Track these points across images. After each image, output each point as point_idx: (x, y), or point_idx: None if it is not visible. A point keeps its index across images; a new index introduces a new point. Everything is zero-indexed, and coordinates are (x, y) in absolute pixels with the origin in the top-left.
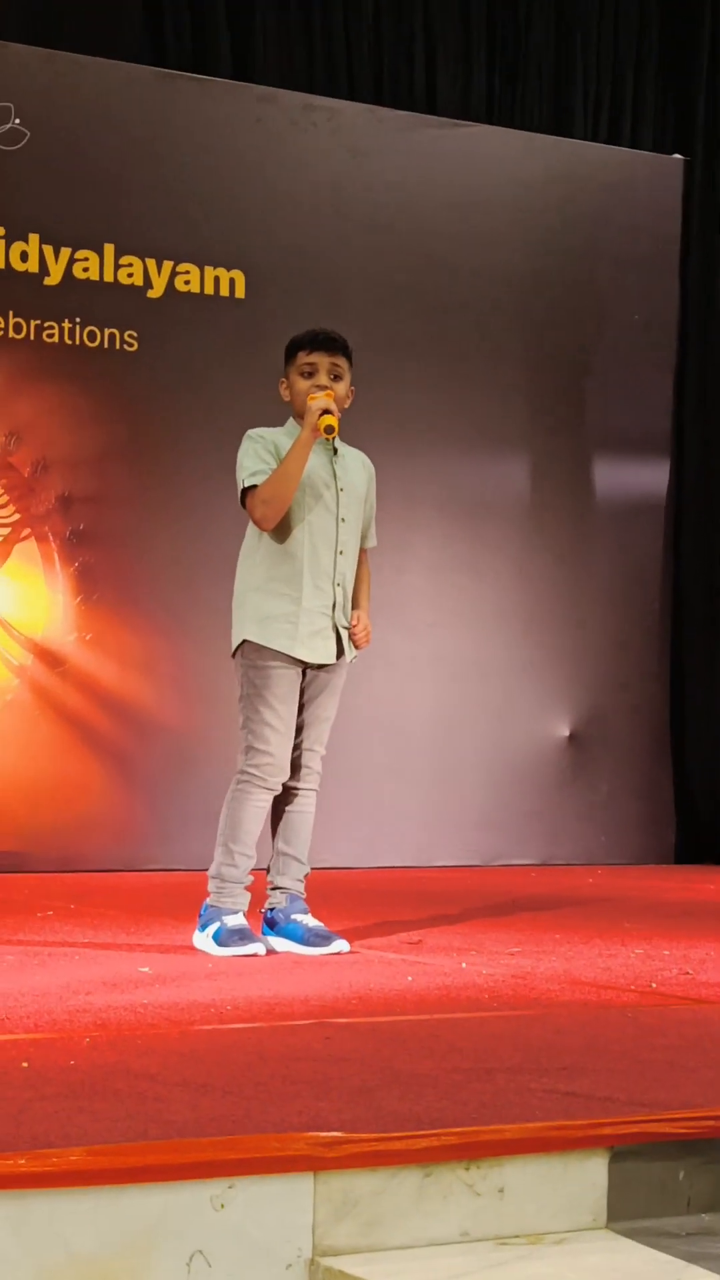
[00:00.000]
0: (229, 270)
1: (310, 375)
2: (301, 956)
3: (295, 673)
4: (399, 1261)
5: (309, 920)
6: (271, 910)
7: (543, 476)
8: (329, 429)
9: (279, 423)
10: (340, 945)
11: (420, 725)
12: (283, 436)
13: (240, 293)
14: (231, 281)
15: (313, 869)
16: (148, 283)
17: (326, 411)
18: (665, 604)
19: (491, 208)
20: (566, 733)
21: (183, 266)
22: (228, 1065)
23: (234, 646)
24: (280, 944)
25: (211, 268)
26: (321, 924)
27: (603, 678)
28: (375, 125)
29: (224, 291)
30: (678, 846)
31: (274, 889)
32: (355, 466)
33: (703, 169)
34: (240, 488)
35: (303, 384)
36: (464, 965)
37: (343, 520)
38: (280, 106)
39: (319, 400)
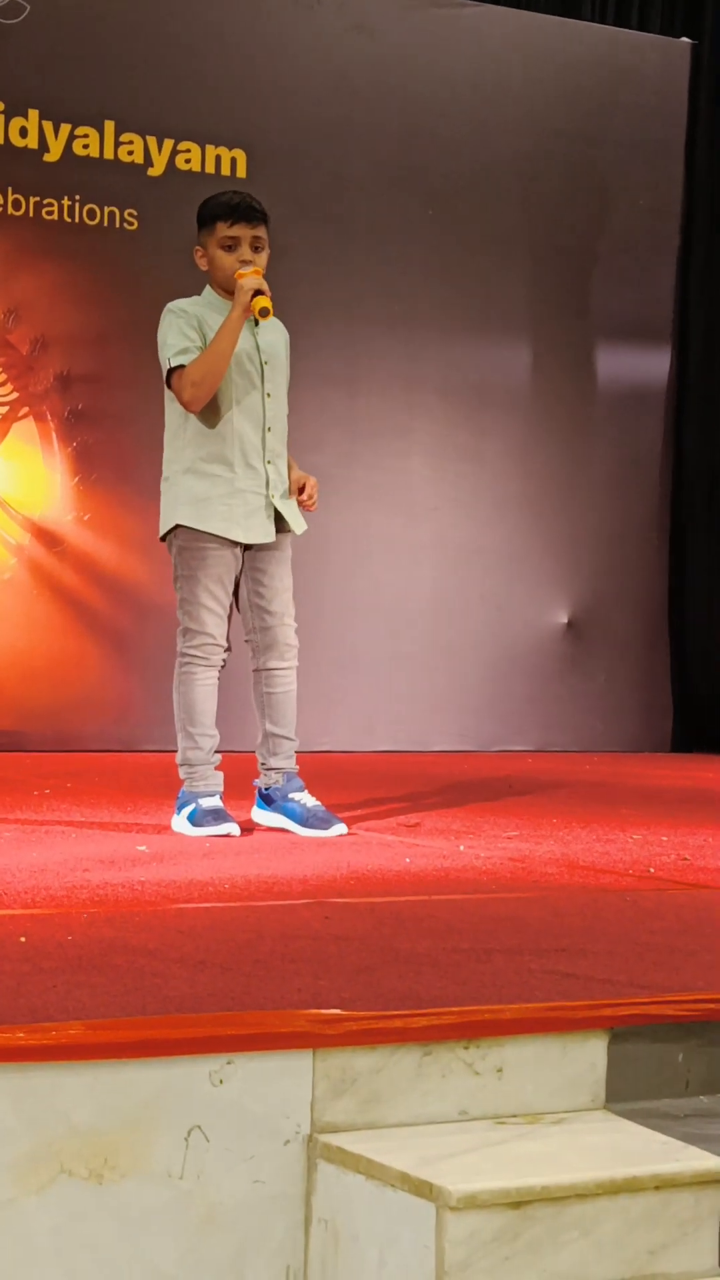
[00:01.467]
0: (230, 149)
1: (231, 249)
2: (298, 836)
3: (232, 553)
4: (397, 1139)
5: (308, 800)
6: (268, 788)
7: (545, 363)
8: (264, 310)
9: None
10: (339, 828)
11: (419, 610)
12: (206, 310)
13: (241, 172)
14: (233, 160)
15: (310, 752)
16: (148, 160)
17: (259, 292)
18: (665, 492)
19: (497, 90)
20: (565, 620)
21: (184, 145)
22: (226, 942)
23: (164, 530)
24: (276, 820)
25: (213, 146)
26: (320, 804)
27: (602, 566)
28: (381, 3)
29: (225, 170)
30: (674, 735)
31: (268, 769)
32: (275, 338)
33: (710, 53)
34: (166, 368)
35: (225, 258)
36: (462, 848)
37: (268, 395)
38: None
39: (250, 279)
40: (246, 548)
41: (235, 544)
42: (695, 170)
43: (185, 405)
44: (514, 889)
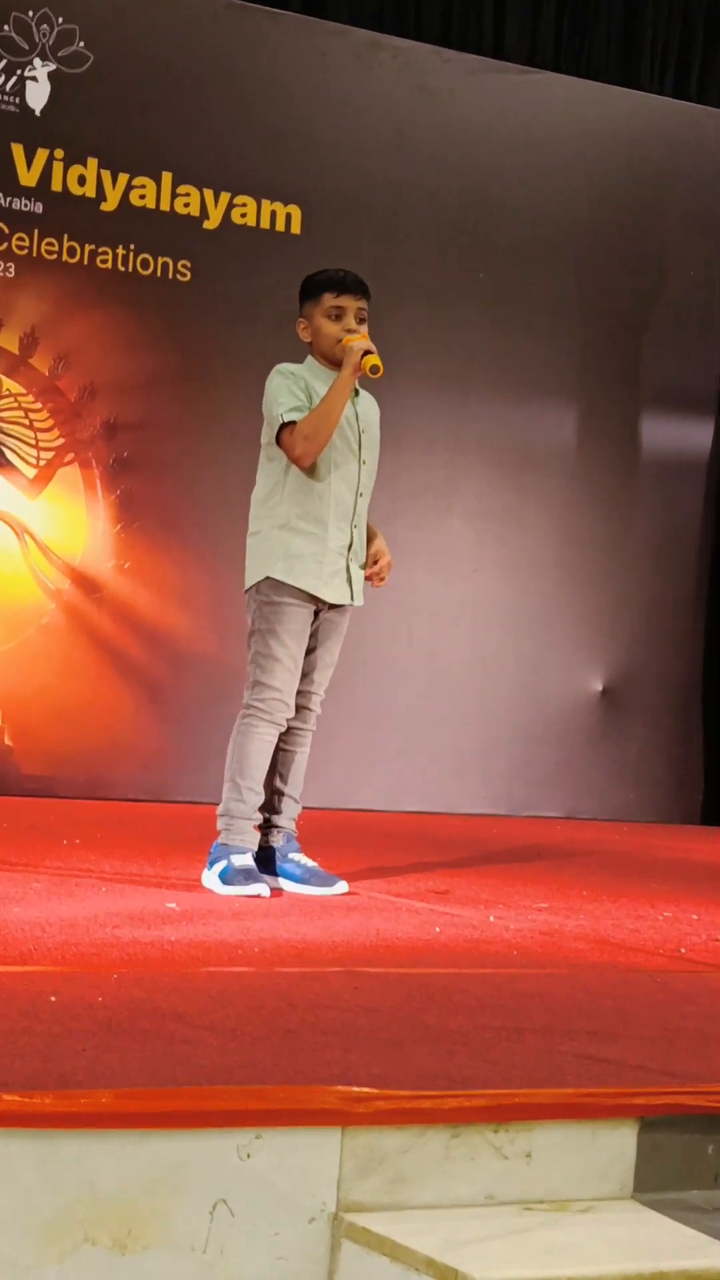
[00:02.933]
0: (285, 205)
1: (338, 318)
2: (328, 900)
3: (309, 612)
4: (422, 1221)
5: (305, 860)
6: (266, 849)
7: (590, 429)
8: (374, 369)
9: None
10: (341, 886)
11: (455, 671)
12: (310, 376)
13: (296, 228)
14: (288, 216)
15: (340, 809)
16: (204, 213)
17: (368, 351)
18: (704, 564)
19: (554, 156)
20: (599, 688)
21: (240, 199)
22: (256, 1010)
23: (252, 582)
24: (270, 882)
25: (269, 201)
26: (317, 864)
27: (638, 635)
28: (441, 66)
29: (279, 226)
30: (705, 807)
31: (269, 827)
32: (371, 410)
33: None
34: (278, 423)
35: (331, 326)
36: (491, 919)
37: (363, 463)
38: (347, 43)
39: (359, 341)
40: (318, 610)
41: (315, 604)
42: None
43: (296, 460)
44: (544, 965)
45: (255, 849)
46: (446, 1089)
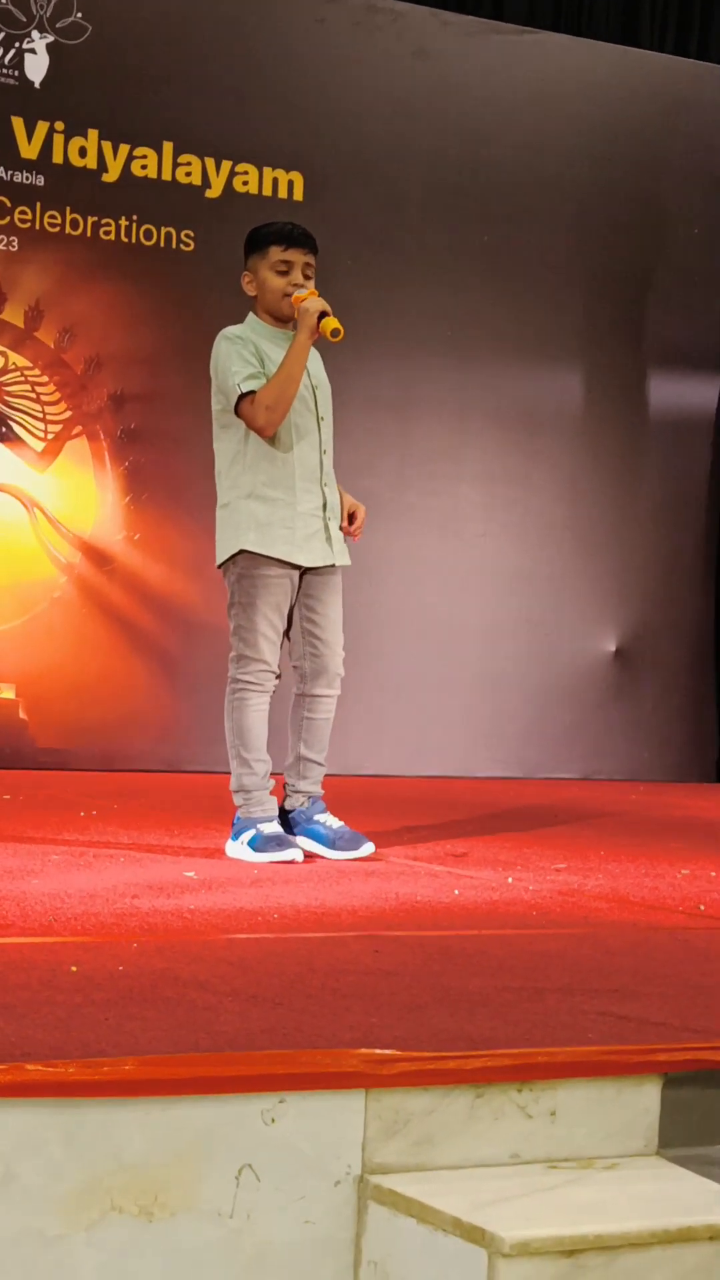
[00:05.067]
0: (288, 172)
1: (284, 273)
2: (346, 864)
3: (288, 580)
4: (449, 1182)
5: (332, 821)
6: (292, 811)
7: (596, 390)
8: (335, 331)
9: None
10: (368, 847)
11: (468, 636)
12: (257, 337)
13: (299, 195)
14: (290, 183)
15: (356, 775)
16: (206, 182)
17: (325, 313)
18: (712, 521)
19: (555, 116)
20: (612, 648)
21: (241, 167)
22: (277, 976)
23: (226, 555)
24: (301, 844)
25: (270, 169)
26: (344, 825)
27: (650, 594)
28: (439, 29)
29: (282, 193)
30: (719, 764)
31: (294, 791)
32: (318, 363)
33: None
34: (235, 394)
35: (277, 281)
36: (510, 880)
37: (321, 419)
38: (344, 7)
39: (313, 300)
40: (301, 575)
41: (294, 569)
42: None
43: (259, 430)
44: (564, 925)
45: (276, 815)
46: (469, 1049)
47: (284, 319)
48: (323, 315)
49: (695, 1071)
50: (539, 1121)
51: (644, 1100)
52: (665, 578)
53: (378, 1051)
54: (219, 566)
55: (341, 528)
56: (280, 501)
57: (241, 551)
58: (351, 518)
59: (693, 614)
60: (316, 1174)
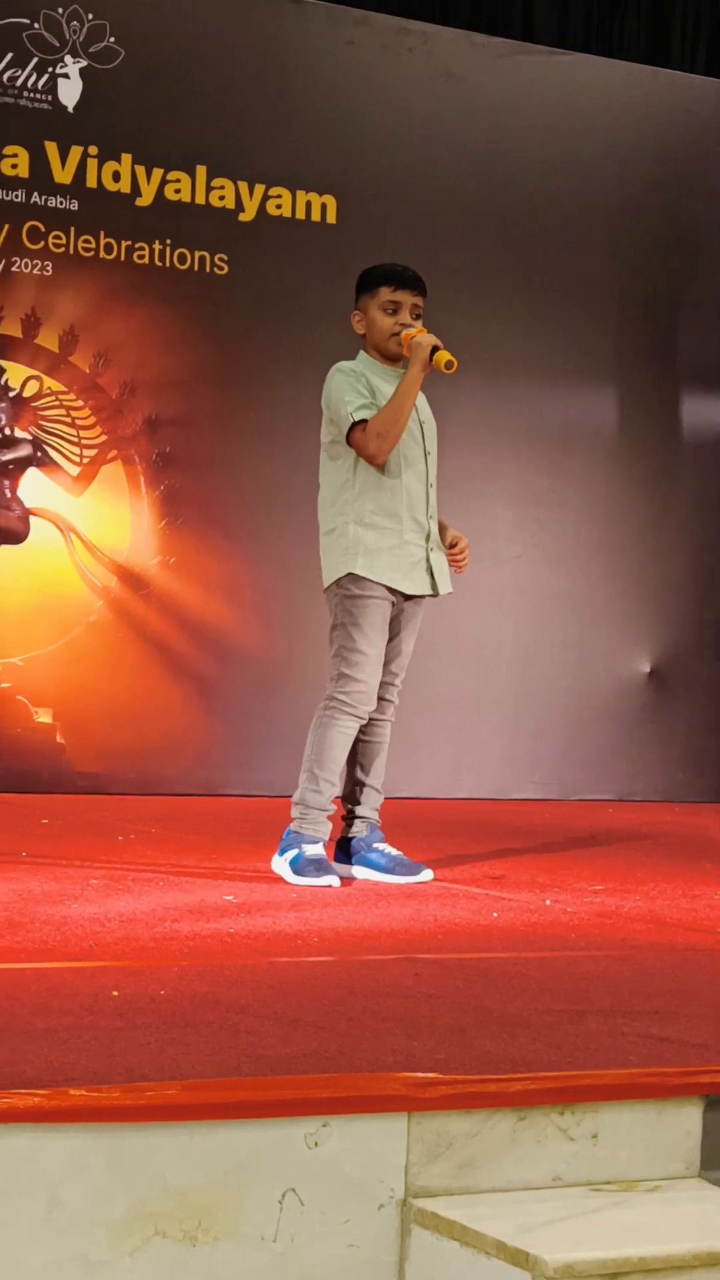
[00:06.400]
0: (320, 195)
1: (393, 313)
2: (384, 887)
3: (389, 605)
4: (492, 1205)
5: (390, 849)
6: (351, 839)
7: (630, 410)
8: (449, 364)
9: (357, 351)
10: (426, 874)
11: (502, 657)
12: (369, 372)
13: (331, 217)
14: (323, 206)
15: (393, 798)
16: (239, 205)
17: (437, 347)
18: None
19: (586, 137)
20: (647, 669)
21: (274, 190)
22: (318, 999)
23: (333, 578)
24: (361, 872)
25: (303, 192)
26: (402, 853)
27: (684, 614)
28: (470, 51)
29: (315, 216)
30: None
31: (353, 818)
32: (424, 402)
33: None
34: (348, 422)
35: (386, 320)
36: (548, 902)
37: (428, 453)
38: (374, 30)
39: (424, 336)
40: (396, 601)
41: (397, 597)
42: None
43: (370, 458)
44: (603, 947)
45: (326, 839)
46: (511, 1072)
47: (392, 358)
48: (435, 349)
49: None
50: (581, 1144)
51: (685, 1122)
52: (699, 598)
53: (420, 1075)
54: (325, 590)
55: (448, 555)
56: (388, 530)
57: (349, 575)
58: (454, 545)
59: None
60: (360, 1197)
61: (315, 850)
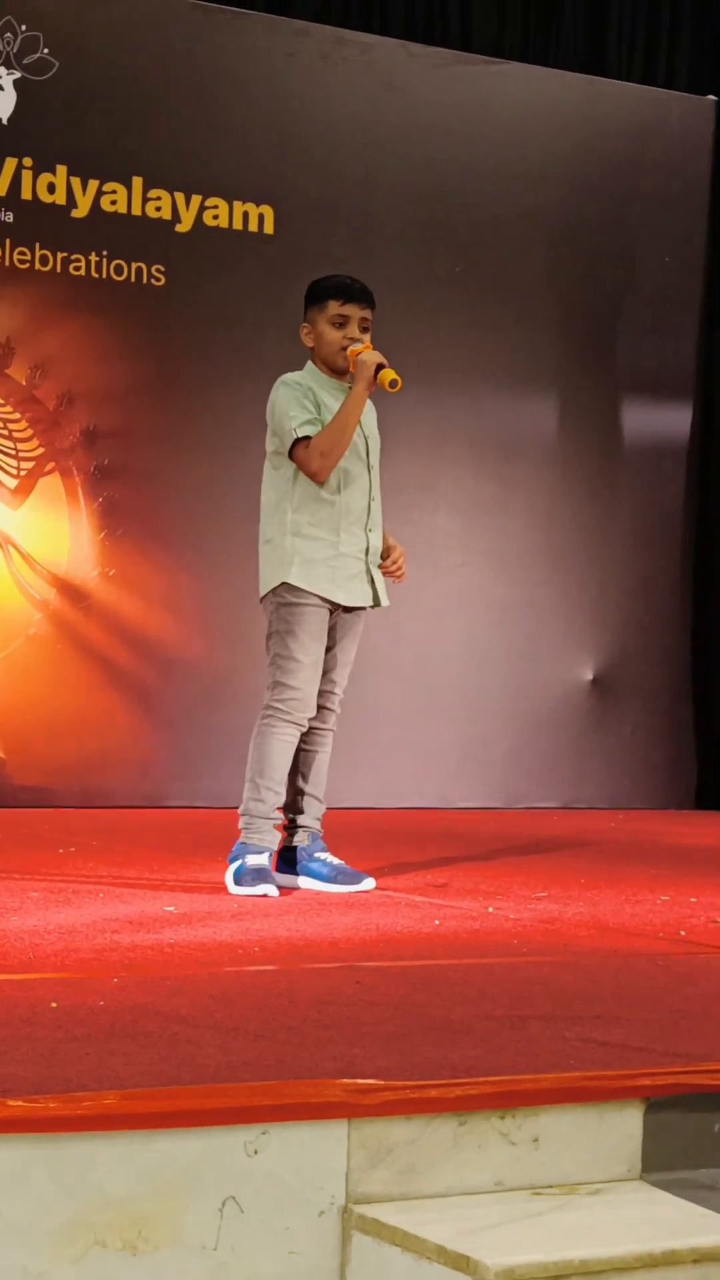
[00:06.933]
0: (258, 205)
1: (341, 326)
2: (326, 896)
3: (325, 613)
4: (433, 1210)
5: (332, 859)
6: (292, 849)
7: (571, 417)
8: (393, 383)
9: (301, 362)
10: (369, 883)
11: (445, 665)
12: (315, 385)
13: (269, 228)
14: (260, 217)
15: (336, 808)
16: (176, 216)
17: (382, 365)
18: (687, 546)
19: (524, 146)
20: (590, 676)
21: (211, 201)
22: (259, 1009)
23: (268, 588)
24: (303, 882)
25: (240, 202)
26: (344, 862)
27: (627, 620)
28: (408, 61)
29: (253, 227)
30: (699, 790)
31: (294, 827)
32: (369, 414)
33: None
34: (291, 437)
35: (334, 334)
36: (491, 909)
37: (371, 468)
38: (313, 40)
39: (370, 354)
40: (333, 611)
41: (332, 608)
42: (719, 226)
43: (312, 475)
44: (545, 953)
45: (274, 847)
46: (452, 1078)
47: (339, 371)
48: (380, 367)
49: (677, 1096)
50: (522, 1148)
51: (627, 1125)
52: (642, 604)
53: (360, 1081)
54: (261, 600)
55: (381, 567)
56: (324, 541)
57: (283, 584)
58: (387, 554)
59: (669, 640)
60: (300, 1205)
61: (258, 860)
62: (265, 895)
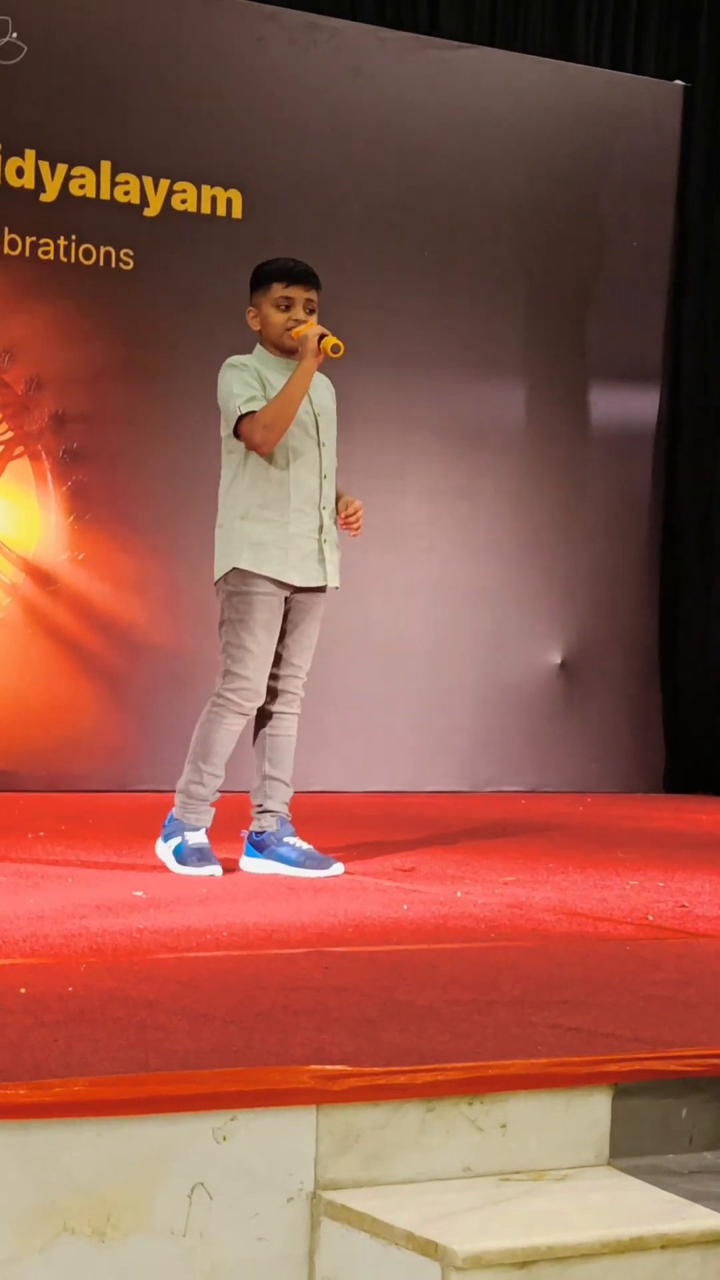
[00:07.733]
0: (226, 190)
1: (286, 308)
2: (294, 881)
3: (279, 600)
4: (401, 1196)
5: (300, 843)
6: (261, 834)
7: (539, 403)
8: (336, 348)
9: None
10: (337, 868)
11: (414, 651)
12: (261, 365)
13: (237, 213)
14: (229, 201)
15: (304, 792)
16: (144, 201)
17: (324, 335)
18: (656, 531)
19: (493, 131)
20: (558, 660)
21: (180, 185)
22: (227, 994)
23: (221, 574)
24: (271, 866)
25: (209, 187)
26: (313, 846)
27: (595, 605)
28: (377, 46)
29: (220, 211)
30: (666, 775)
31: (262, 812)
32: (324, 391)
33: (703, 96)
34: (237, 415)
35: (279, 316)
36: (459, 894)
37: (323, 445)
38: (282, 25)
39: (311, 328)
40: (289, 595)
41: (285, 590)
42: (687, 212)
43: (256, 448)
44: (513, 938)
45: (208, 826)
46: (419, 1064)
47: (287, 352)
48: (322, 337)
49: (645, 1082)
50: (490, 1134)
51: (594, 1111)
52: (609, 589)
53: (328, 1068)
54: (215, 584)
55: (337, 522)
56: (274, 522)
57: (234, 569)
58: (346, 510)
59: (637, 625)
60: (269, 1191)
61: (198, 839)
62: (211, 875)
